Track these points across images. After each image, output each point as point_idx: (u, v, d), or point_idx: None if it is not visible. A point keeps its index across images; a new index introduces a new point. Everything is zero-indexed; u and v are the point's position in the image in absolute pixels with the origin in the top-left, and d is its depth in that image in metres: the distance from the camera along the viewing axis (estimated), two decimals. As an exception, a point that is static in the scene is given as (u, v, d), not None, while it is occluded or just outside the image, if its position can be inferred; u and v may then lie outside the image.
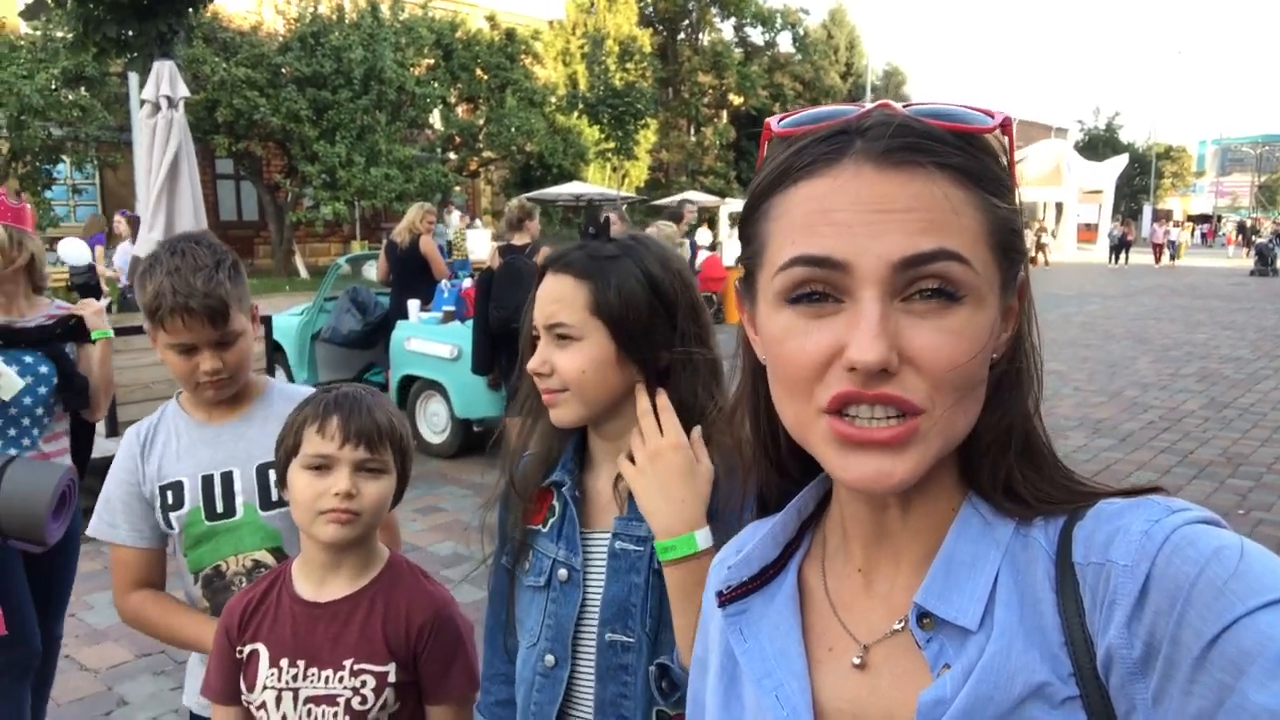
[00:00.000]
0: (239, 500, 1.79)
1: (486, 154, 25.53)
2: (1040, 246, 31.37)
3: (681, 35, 36.66)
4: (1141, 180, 58.47)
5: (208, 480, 1.79)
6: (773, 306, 0.66)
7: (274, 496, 1.76)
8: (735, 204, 31.30)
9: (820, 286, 0.63)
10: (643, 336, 1.27)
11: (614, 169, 30.06)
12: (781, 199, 0.66)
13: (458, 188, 25.41)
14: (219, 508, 1.78)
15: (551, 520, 1.35)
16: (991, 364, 0.66)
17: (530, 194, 20.80)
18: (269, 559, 1.79)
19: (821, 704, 0.71)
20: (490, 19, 25.90)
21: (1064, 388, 9.73)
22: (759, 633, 0.76)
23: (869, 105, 0.67)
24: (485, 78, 24.70)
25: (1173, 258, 32.68)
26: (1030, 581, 0.64)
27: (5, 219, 2.73)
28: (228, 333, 1.72)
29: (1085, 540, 0.63)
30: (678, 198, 28.06)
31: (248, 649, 1.48)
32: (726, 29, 36.96)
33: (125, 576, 1.81)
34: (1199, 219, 65.03)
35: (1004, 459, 0.68)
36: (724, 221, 28.31)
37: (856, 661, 0.71)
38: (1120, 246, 31.85)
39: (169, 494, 1.79)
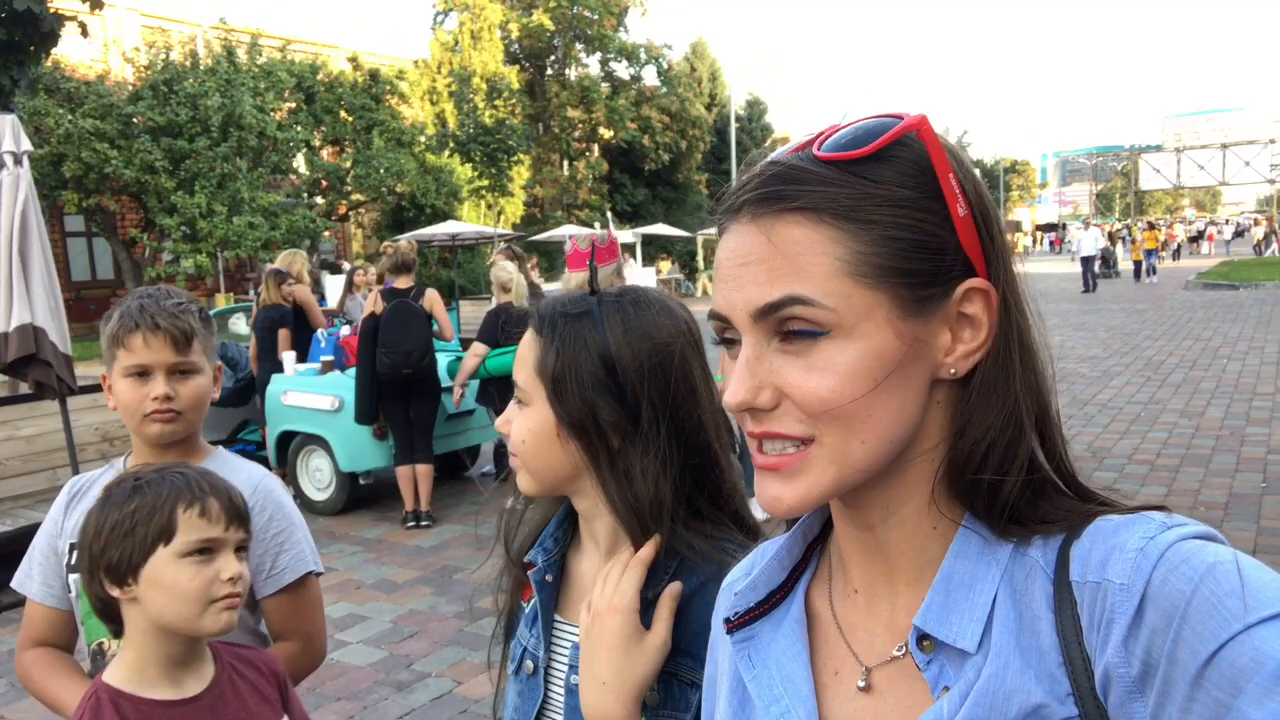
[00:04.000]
0: None
1: (356, 196, 25.01)
2: None
3: (548, 71, 36.89)
4: (992, 194, 61.77)
5: None
6: (721, 351, 0.72)
7: None
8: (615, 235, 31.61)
9: (729, 334, 0.69)
10: (582, 413, 1.08)
11: (489, 206, 29.90)
12: (716, 254, 0.71)
13: (326, 232, 24.76)
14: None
15: (533, 601, 1.21)
16: (967, 377, 0.67)
17: (405, 235, 20.43)
18: (113, 648, 1.67)
19: None
20: (353, 60, 25.48)
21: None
22: (767, 659, 0.77)
23: (783, 149, 0.70)
24: (350, 119, 24.25)
25: None
26: (1028, 601, 0.64)
27: None
28: (186, 362, 1.67)
29: (1082, 559, 0.63)
30: (560, 231, 28.10)
31: None
32: (593, 64, 37.42)
33: (28, 633, 1.74)
34: (1046, 228, 69.14)
35: (999, 479, 0.66)
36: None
37: (861, 685, 0.71)
38: None
39: (74, 554, 1.68)
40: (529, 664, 1.19)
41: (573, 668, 1.11)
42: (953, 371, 0.67)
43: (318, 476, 7.10)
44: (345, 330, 7.90)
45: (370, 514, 7.00)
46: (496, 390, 6.55)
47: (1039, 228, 69.74)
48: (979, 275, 0.66)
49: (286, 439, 7.14)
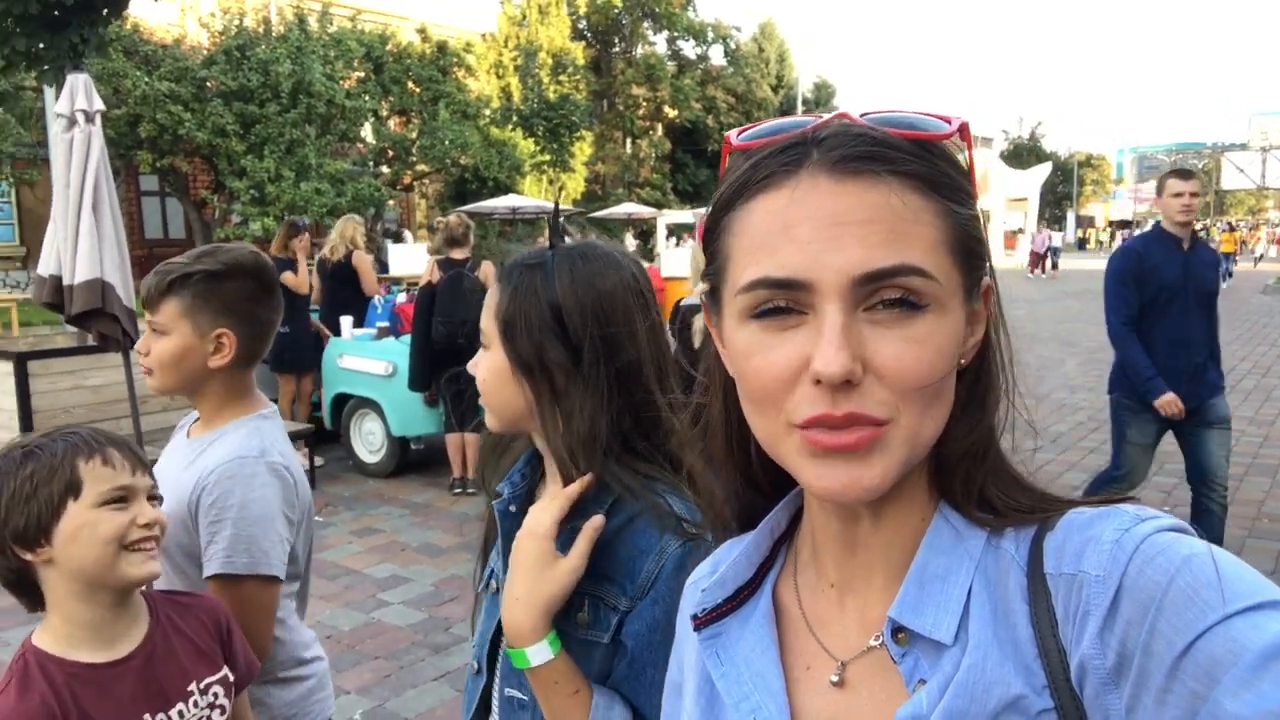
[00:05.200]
0: None
1: (420, 167, 25.26)
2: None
3: (615, 48, 36.80)
4: (1064, 188, 60.24)
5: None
6: (737, 322, 0.66)
7: None
8: (672, 215, 31.53)
9: (783, 302, 0.63)
10: (530, 354, 1.19)
11: (550, 181, 29.99)
12: (742, 213, 0.65)
13: (391, 201, 25.08)
14: None
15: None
16: (961, 371, 0.67)
17: (465, 207, 20.61)
18: None
19: None
20: (421, 31, 25.66)
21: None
22: (735, 656, 0.76)
23: (827, 116, 0.67)
24: (417, 90, 24.45)
25: (1054, 266, 32.10)
26: (1002, 593, 0.64)
27: None
28: (154, 321, 1.71)
29: (1056, 551, 0.63)
30: (620, 209, 28.13)
31: None
32: (660, 42, 37.24)
33: None
34: (1120, 224, 67.27)
35: (977, 468, 0.68)
36: (661, 233, 28.43)
37: (834, 679, 0.70)
38: (1044, 255, 32.03)
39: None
40: (493, 584, 1.32)
41: None
42: (963, 361, 0.67)
43: (370, 439, 7.22)
44: (402, 297, 8.00)
45: (419, 479, 7.11)
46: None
47: (1112, 224, 67.96)
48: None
49: (341, 401, 7.27)
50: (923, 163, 0.63)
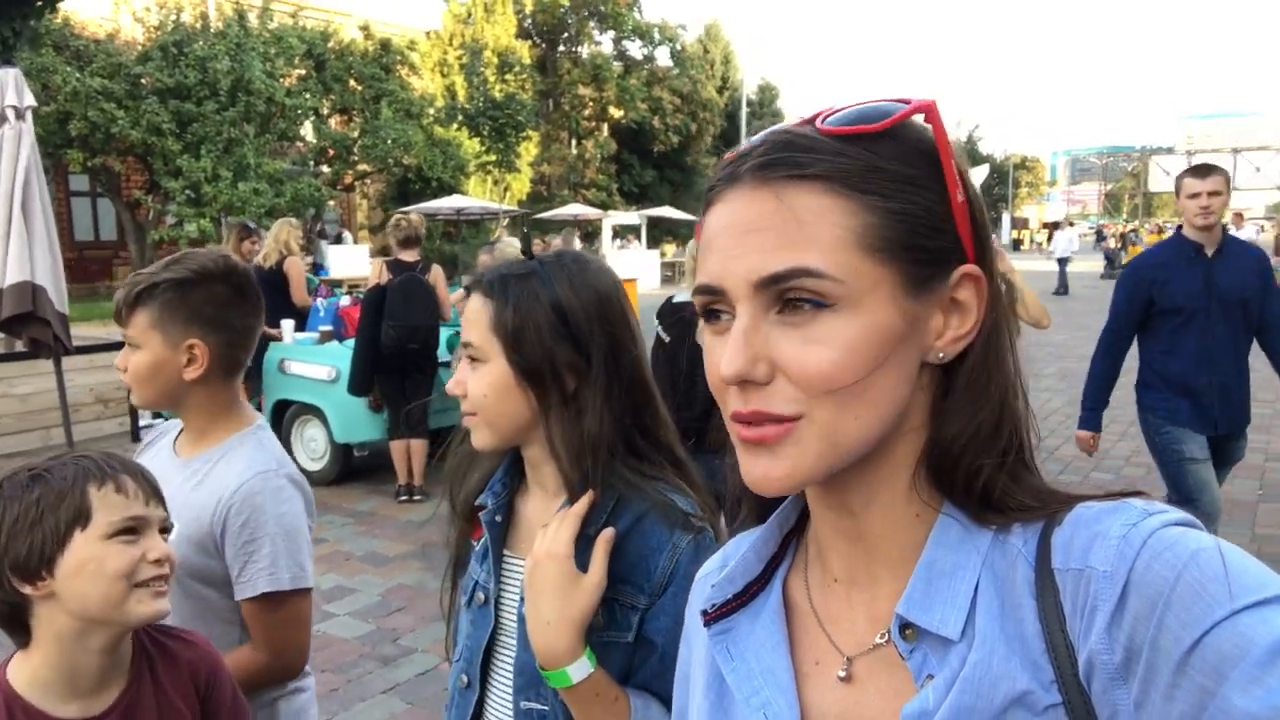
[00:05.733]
0: None
1: (362, 167, 24.91)
2: None
3: (561, 48, 36.70)
4: (1000, 190, 61.65)
5: None
6: (702, 325, 0.70)
7: None
8: (618, 216, 31.54)
9: (718, 306, 0.67)
10: (540, 360, 1.22)
11: (495, 182, 29.81)
12: (704, 224, 0.69)
13: (331, 202, 24.69)
14: None
15: (483, 539, 1.34)
16: (953, 364, 0.67)
17: (409, 208, 20.36)
18: None
19: (809, 719, 0.71)
20: (364, 28, 25.30)
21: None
22: (745, 651, 0.76)
23: (788, 124, 0.68)
24: (359, 89, 24.10)
25: None
26: (1010, 589, 0.64)
27: None
28: (126, 334, 1.66)
29: (1064, 546, 0.63)
30: (566, 210, 28.05)
31: None
32: (606, 42, 37.22)
33: None
34: (1052, 225, 69.01)
35: (980, 464, 0.66)
36: (606, 234, 28.42)
37: (842, 674, 0.71)
38: None
39: None
40: (480, 595, 1.31)
41: (523, 599, 1.20)
42: (940, 356, 0.67)
43: (312, 446, 7.09)
44: (345, 300, 7.86)
45: (363, 486, 7.00)
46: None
47: (1045, 225, 69.71)
48: (971, 262, 0.67)
49: (282, 407, 7.13)
50: (842, 160, 0.63)
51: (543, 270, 1.25)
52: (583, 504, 1.19)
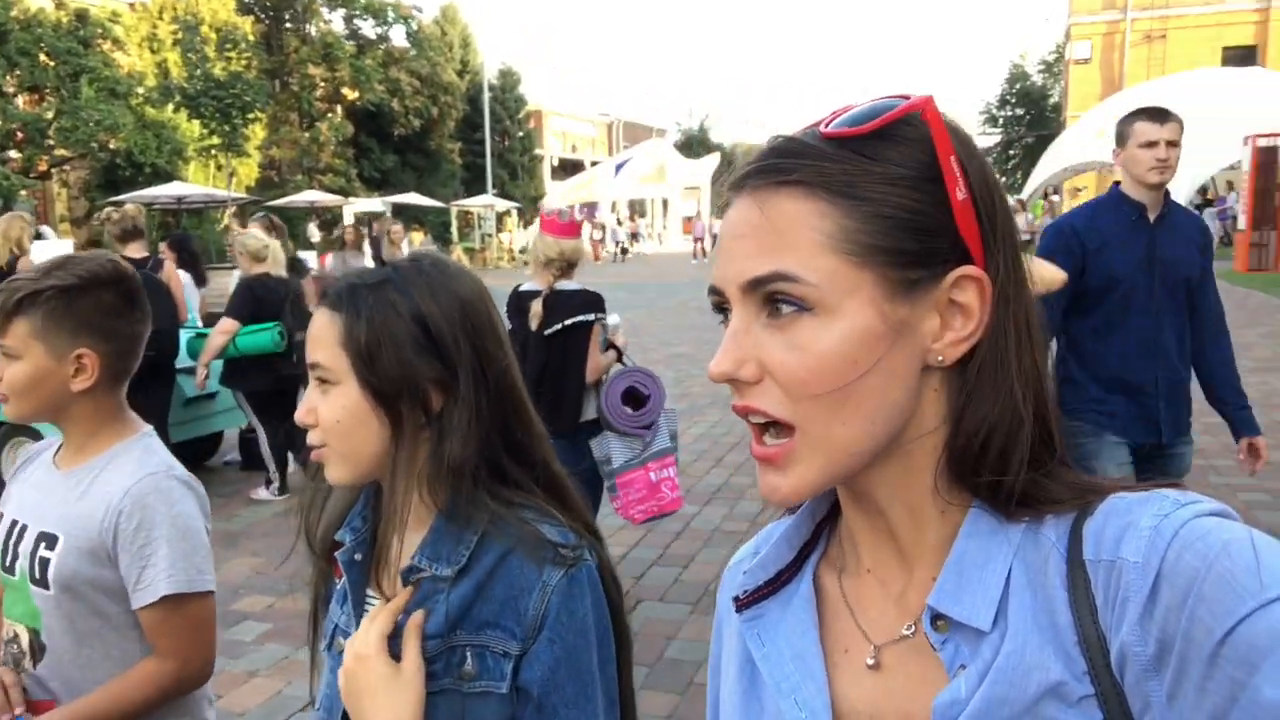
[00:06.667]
0: (20, 560, 1.59)
1: (60, 152, 22.25)
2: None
3: (288, 24, 34.50)
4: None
5: (13, 525, 1.62)
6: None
7: (38, 573, 1.56)
8: (360, 203, 30.15)
9: (725, 307, 0.70)
10: (400, 379, 1.09)
11: (219, 167, 27.63)
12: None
13: (24, 192, 21.84)
14: (8, 559, 1.61)
15: (343, 580, 1.22)
16: (963, 365, 0.66)
17: (122, 196, 18.43)
18: (24, 639, 1.58)
19: (839, 706, 0.72)
20: (54, -3, 22.54)
21: (693, 369, 10.57)
22: (776, 637, 0.77)
23: (812, 122, 0.70)
24: (53, 64, 21.47)
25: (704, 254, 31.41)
26: (1042, 580, 0.64)
27: None
28: (4, 344, 1.55)
29: (1095, 537, 0.63)
30: (301, 197, 26.49)
31: None
32: (336, 20, 35.39)
33: None
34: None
35: (1001, 464, 0.66)
36: (348, 221, 27.11)
37: (870, 662, 0.71)
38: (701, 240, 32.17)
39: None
40: (340, 640, 1.19)
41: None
42: (940, 359, 0.66)
43: (30, 471, 6.28)
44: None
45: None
46: (243, 372, 6.07)
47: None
48: (975, 263, 0.65)
49: (-11, 429, 6.26)
50: (827, 164, 0.64)
51: (398, 277, 1.13)
52: (400, 600, 1.10)
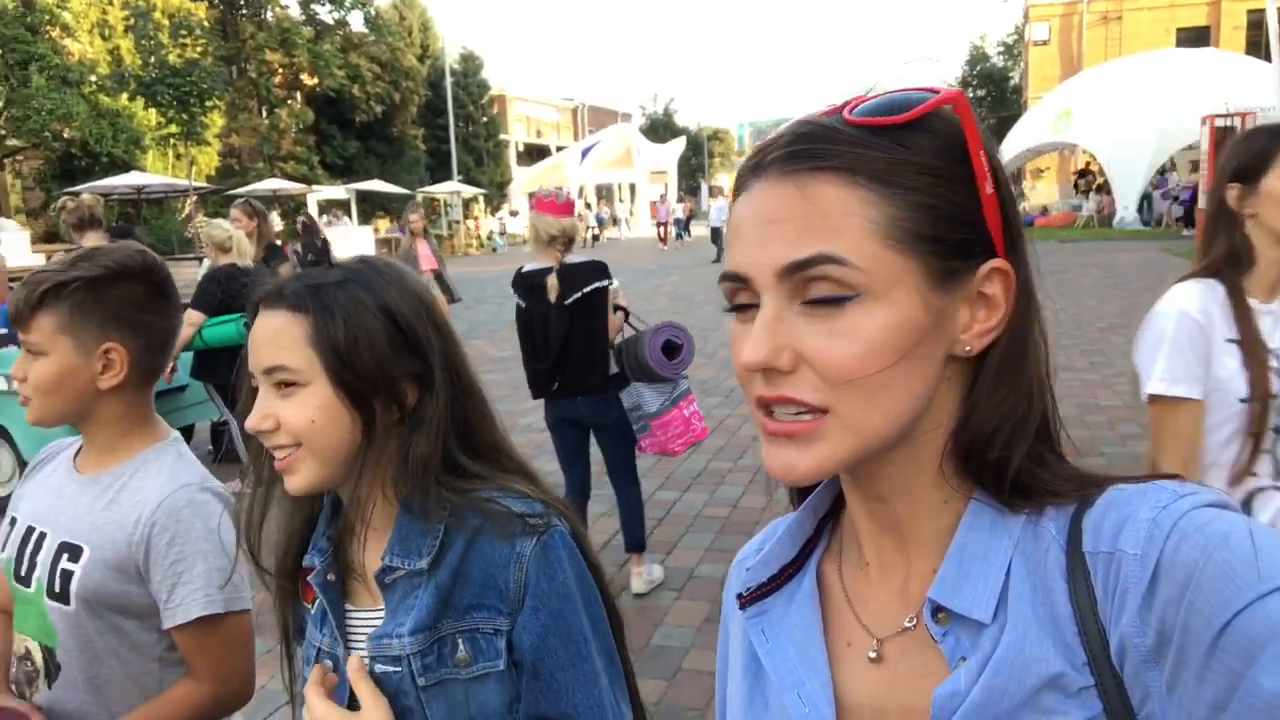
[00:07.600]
0: (38, 571, 1.48)
1: (11, 142, 21.74)
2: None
3: (243, 10, 33.87)
4: (697, 160, 65.23)
5: (29, 532, 1.51)
6: (732, 314, 0.70)
7: (58, 586, 1.46)
8: (325, 191, 29.77)
9: (744, 297, 0.67)
10: (377, 376, 1.08)
11: (178, 156, 27.13)
12: (732, 212, 0.69)
13: (-24, 181, 21.34)
14: (23, 570, 1.50)
15: (318, 602, 1.18)
16: (979, 355, 0.67)
17: (79, 186, 18.05)
18: (37, 656, 1.48)
19: (842, 700, 0.72)
20: (0, -18, 21.93)
21: (665, 356, 10.59)
22: (780, 633, 0.77)
23: (823, 110, 0.68)
24: (0, 52, 20.92)
25: (679, 237, 31.58)
26: (1041, 572, 0.65)
27: None
28: (28, 340, 1.45)
29: (1094, 528, 0.63)
30: (264, 185, 26.07)
31: None
32: (292, 5, 34.83)
33: None
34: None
35: (1006, 455, 0.66)
36: (313, 209, 26.76)
37: (872, 655, 0.72)
38: (682, 224, 32.34)
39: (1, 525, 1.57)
40: (328, 663, 1.16)
41: (375, 658, 1.11)
42: (967, 349, 0.66)
43: (-5, 469, 6.16)
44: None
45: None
46: (212, 364, 5.97)
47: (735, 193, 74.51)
48: (1000, 256, 0.66)
49: (-49, 428, 6.11)
50: (866, 151, 0.63)
51: (358, 276, 1.11)
52: (314, 677, 1.10)
